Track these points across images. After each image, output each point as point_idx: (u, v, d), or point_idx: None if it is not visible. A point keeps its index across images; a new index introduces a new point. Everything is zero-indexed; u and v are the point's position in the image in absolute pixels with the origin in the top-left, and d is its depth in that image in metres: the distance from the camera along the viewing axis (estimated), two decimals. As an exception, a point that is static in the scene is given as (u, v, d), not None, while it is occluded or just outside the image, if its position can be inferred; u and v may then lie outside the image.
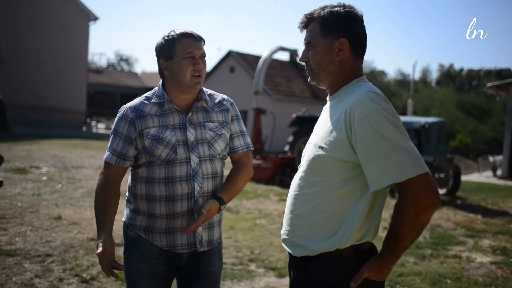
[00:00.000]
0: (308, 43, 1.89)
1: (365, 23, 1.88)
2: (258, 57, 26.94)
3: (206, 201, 2.29)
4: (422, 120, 11.01)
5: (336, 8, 1.85)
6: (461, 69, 63.01)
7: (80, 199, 7.86)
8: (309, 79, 1.95)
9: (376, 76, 61.22)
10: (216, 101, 2.43)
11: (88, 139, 22.14)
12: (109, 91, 42.30)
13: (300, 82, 28.88)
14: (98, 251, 2.12)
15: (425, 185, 1.62)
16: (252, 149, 2.55)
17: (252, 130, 13.75)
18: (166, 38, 2.27)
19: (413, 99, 22.90)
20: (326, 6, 1.87)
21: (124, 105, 2.32)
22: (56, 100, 28.16)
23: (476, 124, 39.18)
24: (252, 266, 5.08)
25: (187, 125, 2.29)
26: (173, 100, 2.30)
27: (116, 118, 2.31)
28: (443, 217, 8.45)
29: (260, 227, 6.86)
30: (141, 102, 2.31)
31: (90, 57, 37.12)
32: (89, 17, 29.90)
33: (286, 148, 13.37)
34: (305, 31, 1.91)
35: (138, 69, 75.97)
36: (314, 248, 1.78)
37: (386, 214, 6.11)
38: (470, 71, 61.59)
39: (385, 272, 1.75)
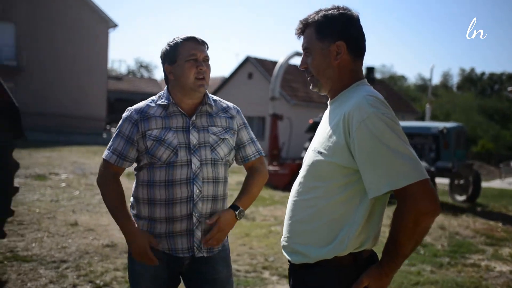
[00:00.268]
0: (306, 49, 1.87)
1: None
2: (276, 63, 26.97)
3: (217, 210, 2.33)
4: (440, 125, 10.87)
5: (330, 11, 1.83)
6: (483, 73, 62.15)
7: (97, 205, 7.92)
8: (310, 86, 1.92)
9: (396, 81, 60.76)
10: (222, 107, 2.45)
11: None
12: (129, 98, 42.74)
13: (318, 87, 28.72)
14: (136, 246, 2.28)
15: (424, 191, 1.59)
16: (264, 154, 2.56)
17: (269, 136, 13.73)
18: (170, 43, 2.33)
19: (431, 104, 22.65)
20: (320, 10, 1.86)
21: (130, 107, 2.37)
22: (76, 107, 28.55)
23: (498, 129, 38.60)
24: (266, 274, 5.05)
25: (190, 128, 2.31)
26: (178, 103, 2.33)
27: (122, 119, 2.36)
28: (462, 225, 8.31)
29: (275, 234, 6.83)
30: (147, 105, 2.35)
31: (109, 64, 37.54)
32: (108, 24, 30.30)
33: (303, 154, 13.32)
34: (302, 37, 1.89)
35: (157, 75, 76.63)
36: (312, 256, 1.76)
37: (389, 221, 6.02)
38: (492, 75, 60.70)
39: (385, 281, 1.71)
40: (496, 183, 16.45)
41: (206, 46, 2.35)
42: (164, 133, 2.27)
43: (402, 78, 66.20)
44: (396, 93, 37.85)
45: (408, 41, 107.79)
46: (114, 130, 2.40)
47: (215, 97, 2.49)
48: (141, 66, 71.68)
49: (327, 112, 1.93)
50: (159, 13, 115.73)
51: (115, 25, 30.48)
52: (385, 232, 1.89)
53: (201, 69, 2.27)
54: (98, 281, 4.42)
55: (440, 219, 8.64)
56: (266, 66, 27.45)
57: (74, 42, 28.59)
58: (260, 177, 2.49)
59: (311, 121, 13.62)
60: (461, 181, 10.93)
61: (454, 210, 9.76)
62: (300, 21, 1.89)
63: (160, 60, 2.39)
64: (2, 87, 4.48)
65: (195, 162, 2.27)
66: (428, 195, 1.59)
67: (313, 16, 1.86)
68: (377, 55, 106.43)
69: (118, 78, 44.15)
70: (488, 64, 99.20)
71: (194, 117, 2.33)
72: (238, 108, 2.54)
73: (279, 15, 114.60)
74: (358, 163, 1.66)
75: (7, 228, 5.84)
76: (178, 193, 2.26)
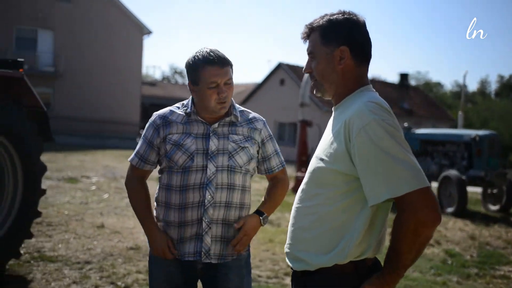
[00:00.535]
0: (310, 53, 1.87)
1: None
2: (308, 69, 26.85)
3: (231, 218, 2.36)
4: (472, 132, 10.63)
5: (335, 16, 1.82)
6: (523, 80, 60.34)
7: (125, 208, 8.05)
8: (314, 91, 1.91)
9: (431, 88, 59.72)
10: (247, 118, 2.47)
11: (140, 150, 22.64)
12: (163, 103, 43.30)
13: (350, 94, 28.53)
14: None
15: (425, 200, 1.55)
16: (285, 165, 2.60)
17: (298, 142, 13.69)
18: (192, 61, 2.32)
19: (464, 111, 22.15)
20: (325, 15, 1.85)
21: (156, 112, 2.44)
22: (111, 112, 29.14)
23: (539, 137, 37.35)
24: (287, 280, 5.02)
25: (210, 134, 2.34)
26: (200, 113, 2.37)
27: (147, 124, 2.45)
28: (494, 235, 8.08)
29: (300, 240, 6.78)
30: (170, 110, 2.42)
31: (144, 70, 38.17)
32: (143, 31, 30.86)
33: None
34: (308, 42, 1.88)
35: (191, 82, 77.36)
36: (313, 263, 1.74)
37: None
38: (532, 82, 58.91)
39: None
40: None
41: (228, 66, 2.30)
42: (183, 138, 2.32)
43: (438, 84, 65.02)
44: (431, 100, 37.22)
45: (444, 48, 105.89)
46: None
47: (242, 108, 2.52)
48: (175, 72, 72.64)
49: (331, 118, 1.91)
50: (193, 20, 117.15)
51: (149, 32, 31.03)
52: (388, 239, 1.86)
53: (222, 96, 2.28)
54: (119, 283, 4.49)
55: (471, 228, 8.44)
56: (298, 72, 27.42)
57: (109, 48, 29.25)
58: (283, 186, 2.57)
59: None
60: (494, 190, 10.64)
61: (487, 220, 9.50)
62: (306, 25, 1.88)
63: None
64: (31, 91, 4.62)
65: (211, 168, 2.30)
66: (428, 204, 1.55)
67: (318, 20, 1.85)
68: (411, 62, 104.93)
69: (152, 84, 44.88)
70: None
71: (216, 125, 2.36)
72: (264, 120, 2.54)
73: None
74: (358, 170, 1.64)
75: (36, 229, 6.01)
76: (190, 197, 2.30)
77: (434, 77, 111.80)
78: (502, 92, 59.38)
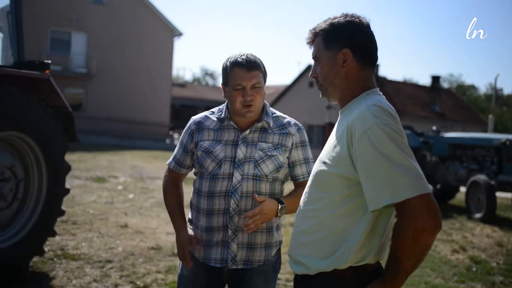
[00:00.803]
0: (315, 58, 1.86)
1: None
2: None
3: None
4: (502, 137, 10.37)
5: (337, 19, 1.81)
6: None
7: (149, 208, 8.15)
8: (320, 95, 1.91)
9: (465, 91, 58.60)
10: (280, 123, 2.44)
11: (169, 151, 22.78)
12: (193, 105, 43.78)
13: (380, 96, 28.23)
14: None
15: (425, 206, 1.52)
16: None
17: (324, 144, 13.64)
18: (224, 63, 2.37)
19: (498, 115, 21.62)
20: (328, 19, 1.84)
21: (193, 117, 2.50)
22: (141, 112, 29.57)
23: None
24: (306, 283, 5.00)
25: (239, 142, 2.35)
26: (233, 117, 2.38)
27: (184, 128, 2.52)
28: (523, 242, 7.86)
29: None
30: (205, 116, 2.47)
31: (174, 72, 38.58)
32: (174, 33, 31.23)
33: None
34: (312, 47, 1.88)
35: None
36: (312, 267, 1.73)
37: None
38: None
39: None
40: None
41: (257, 70, 2.30)
42: (213, 145, 2.36)
43: (472, 87, 63.75)
44: (464, 103, 36.51)
45: (477, 51, 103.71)
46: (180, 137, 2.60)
47: (278, 113, 2.48)
48: (206, 73, 73.23)
49: (337, 121, 1.91)
50: (224, 22, 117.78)
51: (180, 34, 31.38)
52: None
53: (247, 99, 2.28)
54: (138, 282, 4.55)
55: (499, 235, 8.24)
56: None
57: (140, 50, 29.70)
58: None
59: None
60: (526, 196, 10.37)
61: (517, 226, 9.26)
62: (310, 30, 1.88)
63: None
64: (56, 92, 4.73)
65: (237, 176, 2.31)
66: (429, 211, 1.52)
67: (321, 24, 1.85)
68: (444, 64, 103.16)
69: (182, 85, 45.40)
70: None
71: (247, 132, 2.37)
72: (300, 125, 2.49)
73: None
74: (359, 174, 1.63)
75: (62, 227, 6.14)
76: (216, 204, 2.34)
77: (468, 79, 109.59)
78: (539, 95, 57.77)
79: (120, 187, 10.23)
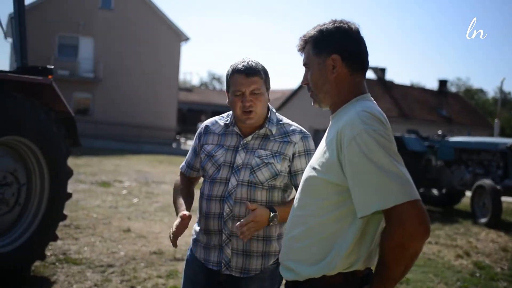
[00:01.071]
0: (305, 65, 1.87)
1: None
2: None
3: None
4: (508, 141, 10.30)
5: (325, 26, 1.82)
6: None
7: (153, 213, 8.17)
8: (312, 102, 1.92)
9: (472, 95, 58.33)
10: (284, 131, 2.42)
11: (175, 155, 22.80)
12: (200, 109, 43.94)
13: (387, 100, 28.22)
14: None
15: (414, 213, 1.51)
16: None
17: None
18: (227, 70, 2.40)
19: (506, 119, 21.50)
20: (318, 25, 1.85)
21: (206, 120, 2.58)
22: (148, 117, 29.66)
23: None
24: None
25: (239, 148, 2.38)
26: (237, 123, 2.42)
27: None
28: (529, 247, 7.80)
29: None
30: (215, 120, 2.53)
31: (181, 76, 38.72)
32: (181, 37, 31.32)
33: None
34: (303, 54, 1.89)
35: (229, 88, 77.98)
36: (302, 273, 1.73)
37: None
38: None
39: None
40: None
41: (256, 76, 2.31)
42: (215, 150, 2.41)
43: (480, 91, 63.44)
44: (471, 107, 36.35)
45: (485, 54, 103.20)
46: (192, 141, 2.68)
47: (285, 120, 2.47)
48: (213, 78, 73.42)
49: (328, 127, 1.91)
50: (231, 27, 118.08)
51: (187, 38, 31.46)
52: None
53: (246, 105, 2.29)
54: (139, 287, 4.55)
55: (504, 240, 8.18)
56: (333, 78, 27.21)
57: (147, 55, 29.83)
58: None
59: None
60: (532, 202, 10.29)
61: (523, 232, 9.19)
62: (300, 37, 1.89)
63: None
64: (58, 97, 4.75)
65: (233, 182, 2.33)
66: (417, 217, 1.51)
67: (310, 32, 1.86)
68: (451, 68, 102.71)
69: (189, 89, 45.59)
70: None
71: (249, 138, 2.39)
72: (306, 134, 2.44)
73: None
74: (348, 181, 1.62)
75: (65, 231, 6.17)
76: (213, 208, 2.36)
77: (476, 83, 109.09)
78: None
79: (124, 192, 10.26)
